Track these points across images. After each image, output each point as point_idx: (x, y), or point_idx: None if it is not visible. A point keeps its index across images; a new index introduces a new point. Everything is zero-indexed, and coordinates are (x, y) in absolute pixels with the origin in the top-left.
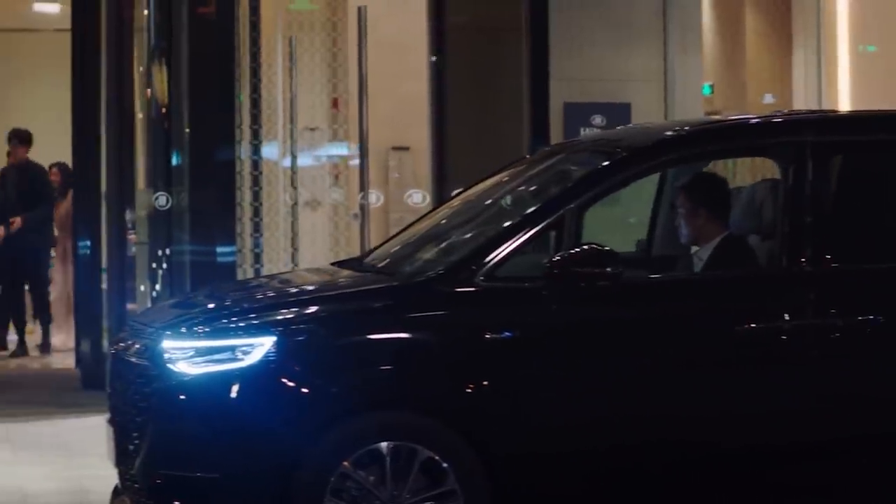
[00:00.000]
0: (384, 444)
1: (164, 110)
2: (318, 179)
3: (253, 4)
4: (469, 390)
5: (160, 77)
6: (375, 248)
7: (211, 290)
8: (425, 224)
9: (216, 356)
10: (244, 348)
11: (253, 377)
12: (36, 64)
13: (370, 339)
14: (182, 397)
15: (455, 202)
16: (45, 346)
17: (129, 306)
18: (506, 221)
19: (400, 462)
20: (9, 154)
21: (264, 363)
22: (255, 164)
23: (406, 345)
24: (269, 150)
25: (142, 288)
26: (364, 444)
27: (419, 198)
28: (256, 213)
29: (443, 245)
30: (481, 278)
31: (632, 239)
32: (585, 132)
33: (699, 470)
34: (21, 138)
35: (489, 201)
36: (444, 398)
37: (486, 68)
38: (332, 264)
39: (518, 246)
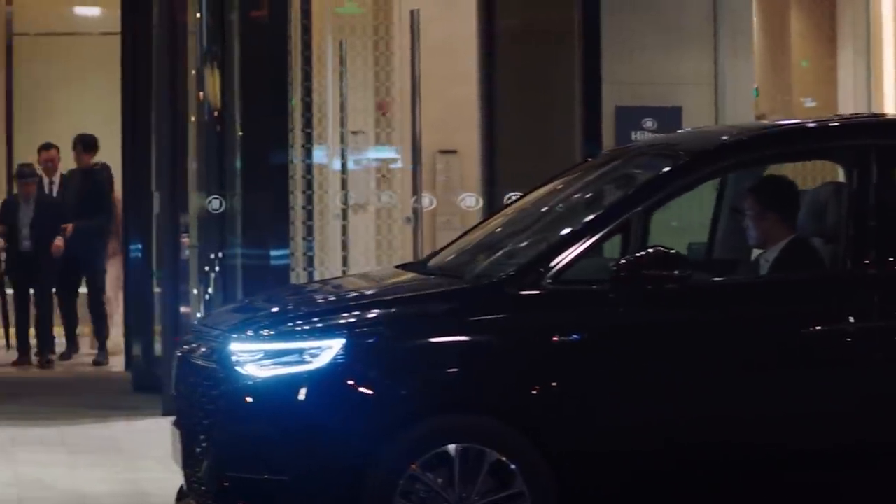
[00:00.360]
0: (453, 447)
1: (216, 114)
2: (362, 183)
3: (304, 8)
4: (537, 392)
5: (213, 80)
6: (439, 252)
7: (274, 294)
8: (488, 228)
9: (284, 359)
10: (312, 351)
11: (322, 380)
12: (82, 67)
13: (439, 341)
14: (250, 400)
15: (516, 206)
16: (99, 361)
17: (183, 309)
18: (572, 225)
19: (468, 464)
20: (39, 151)
21: (333, 366)
22: (307, 168)
23: (474, 347)
24: (318, 154)
25: (194, 291)
26: (433, 446)
27: (472, 201)
28: (308, 216)
29: (507, 248)
30: (549, 281)
31: (679, 242)
32: (637, 136)
33: (764, 472)
34: (86, 144)
35: (551, 205)
36: (513, 400)
37: (536, 72)
38: (397, 267)
39: (585, 249)
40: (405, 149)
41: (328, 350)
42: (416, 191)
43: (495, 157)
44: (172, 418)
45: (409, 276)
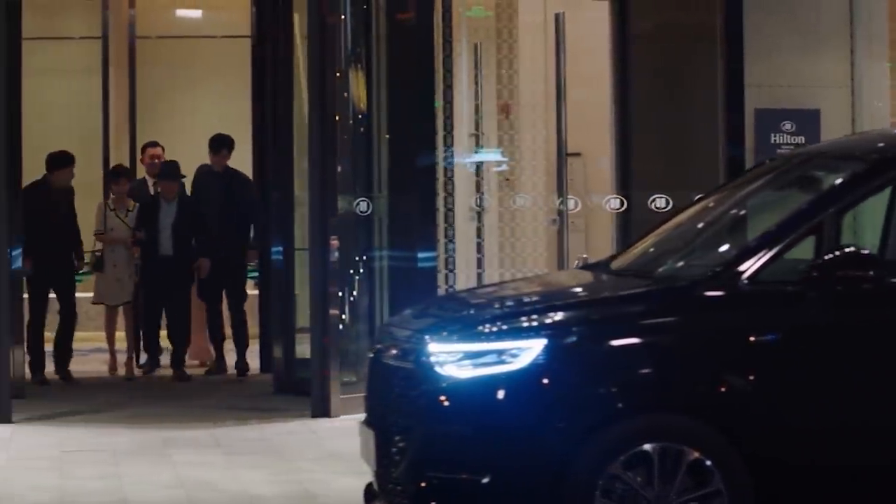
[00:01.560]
0: (653, 446)
1: (360, 116)
2: (494, 185)
3: (446, 10)
4: (734, 392)
5: (357, 82)
6: (620, 253)
7: (457, 296)
8: (666, 229)
9: (484, 359)
10: (513, 351)
11: (523, 380)
12: (204, 70)
13: (637, 342)
14: (451, 400)
15: (693, 209)
16: (241, 369)
17: (332, 311)
18: (760, 227)
19: (667, 463)
20: (144, 149)
21: (534, 366)
22: (448, 171)
23: (672, 347)
24: (455, 156)
25: (339, 294)
26: (633, 445)
27: (616, 203)
28: (447, 218)
29: (695, 250)
30: (745, 282)
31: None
32: (775, 138)
33: None
34: (231, 145)
35: (730, 207)
36: (710, 400)
37: (672, 73)
38: (581, 268)
39: (780, 251)
40: (531, 151)
41: (528, 351)
42: (560, 193)
43: (630, 160)
44: (328, 419)
45: (599, 276)
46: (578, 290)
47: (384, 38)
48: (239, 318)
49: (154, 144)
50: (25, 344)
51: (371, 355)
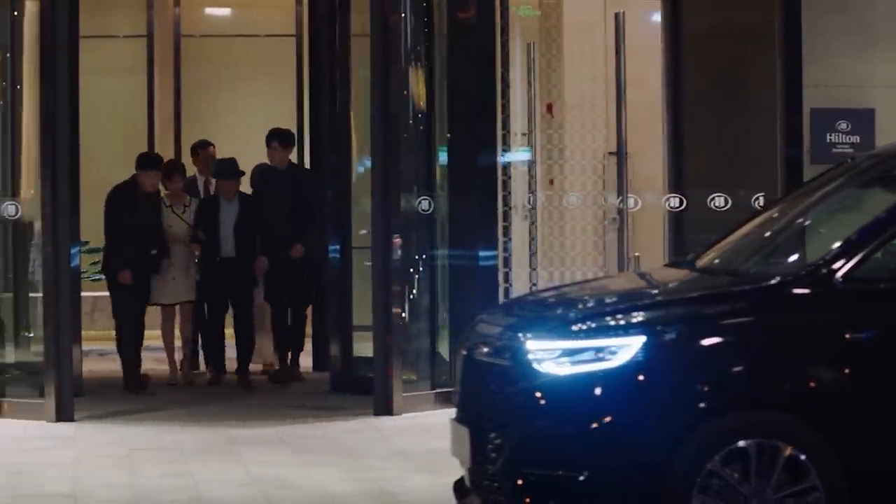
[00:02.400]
0: (749, 442)
1: (420, 114)
2: (543, 184)
3: (504, 9)
4: (828, 389)
5: (417, 81)
6: (704, 251)
7: (545, 294)
8: (749, 229)
9: (582, 356)
10: (612, 349)
11: (622, 377)
12: (248, 69)
13: (734, 339)
14: (549, 397)
15: (775, 207)
16: (294, 375)
17: (395, 310)
18: (851, 226)
19: (763, 459)
20: (196, 151)
21: (634, 363)
22: (506, 170)
23: (769, 345)
24: (509, 155)
25: (401, 292)
26: (729, 442)
27: (676, 202)
28: (505, 217)
29: (781, 248)
30: (839, 280)
31: None
32: (831, 138)
33: None
34: (283, 139)
35: (813, 206)
36: (806, 397)
37: (724, 73)
38: (666, 266)
39: (873, 249)
40: (578, 150)
41: (627, 348)
42: (620, 192)
43: (682, 160)
44: (391, 418)
45: (688, 274)
46: (672, 287)
47: (444, 37)
48: (299, 319)
49: (206, 145)
50: (116, 344)
51: (464, 353)
